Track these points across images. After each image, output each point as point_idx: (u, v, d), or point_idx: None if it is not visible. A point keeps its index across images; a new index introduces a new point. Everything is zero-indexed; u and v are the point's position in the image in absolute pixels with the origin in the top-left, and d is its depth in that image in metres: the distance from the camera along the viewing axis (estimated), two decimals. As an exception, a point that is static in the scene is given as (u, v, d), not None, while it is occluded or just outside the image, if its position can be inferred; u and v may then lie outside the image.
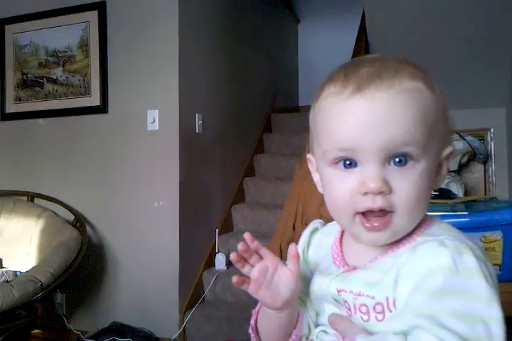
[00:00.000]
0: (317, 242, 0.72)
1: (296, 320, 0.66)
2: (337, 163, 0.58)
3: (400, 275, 0.54)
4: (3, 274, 2.57)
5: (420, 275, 0.52)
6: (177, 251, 2.91)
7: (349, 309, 0.59)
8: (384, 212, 0.56)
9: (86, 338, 2.74)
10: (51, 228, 2.90)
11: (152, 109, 2.99)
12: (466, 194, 3.18)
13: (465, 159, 3.41)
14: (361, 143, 0.55)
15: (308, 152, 0.68)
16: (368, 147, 0.55)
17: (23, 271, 2.63)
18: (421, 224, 0.60)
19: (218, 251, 3.25)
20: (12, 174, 3.36)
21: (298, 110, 5.33)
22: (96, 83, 3.15)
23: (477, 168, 3.71)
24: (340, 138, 0.57)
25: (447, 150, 0.61)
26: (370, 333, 0.55)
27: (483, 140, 3.60)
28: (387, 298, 0.55)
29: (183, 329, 2.88)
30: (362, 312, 0.58)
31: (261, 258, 0.63)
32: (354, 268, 0.61)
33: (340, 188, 0.58)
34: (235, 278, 0.62)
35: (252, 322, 0.69)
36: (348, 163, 0.57)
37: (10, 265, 2.88)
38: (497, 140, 3.62)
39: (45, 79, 3.33)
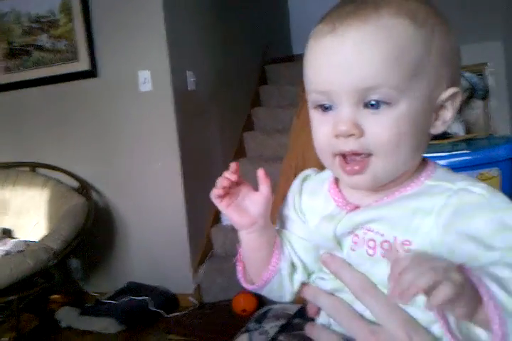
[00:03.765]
0: (310, 189, 0.69)
1: (271, 250, 0.66)
2: (316, 106, 0.58)
3: (436, 221, 0.53)
4: (15, 245, 2.63)
5: (469, 226, 0.51)
6: (183, 209, 2.96)
7: (356, 243, 0.59)
8: (364, 155, 0.55)
9: (104, 299, 2.83)
10: (57, 196, 2.94)
11: (143, 70, 2.95)
12: (468, 131, 3.15)
13: (464, 96, 3.36)
14: (333, 85, 0.54)
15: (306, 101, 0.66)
16: (340, 89, 0.54)
17: (35, 240, 2.68)
18: (425, 169, 0.59)
19: (224, 207, 3.27)
20: (13, 146, 3.36)
21: (292, 59, 5.21)
22: (83, 47, 3.08)
23: (477, 105, 3.66)
24: (315, 81, 0.57)
25: (447, 92, 0.56)
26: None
27: (481, 75, 3.52)
28: (395, 238, 0.55)
29: (198, 284, 2.96)
30: (369, 247, 0.58)
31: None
32: (357, 207, 0.60)
33: (319, 131, 0.58)
34: (218, 191, 0.64)
35: (240, 249, 0.71)
36: (325, 106, 0.57)
37: (21, 236, 2.93)
38: (495, 74, 3.54)
39: (31, 47, 3.26)
